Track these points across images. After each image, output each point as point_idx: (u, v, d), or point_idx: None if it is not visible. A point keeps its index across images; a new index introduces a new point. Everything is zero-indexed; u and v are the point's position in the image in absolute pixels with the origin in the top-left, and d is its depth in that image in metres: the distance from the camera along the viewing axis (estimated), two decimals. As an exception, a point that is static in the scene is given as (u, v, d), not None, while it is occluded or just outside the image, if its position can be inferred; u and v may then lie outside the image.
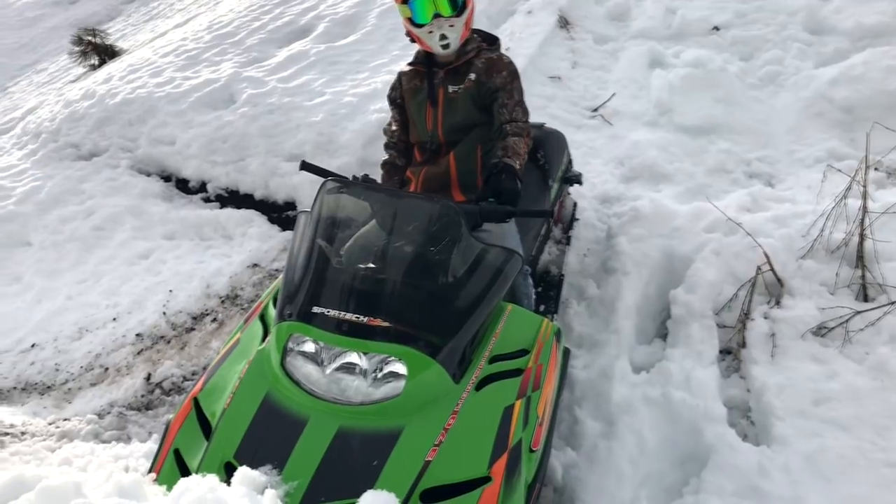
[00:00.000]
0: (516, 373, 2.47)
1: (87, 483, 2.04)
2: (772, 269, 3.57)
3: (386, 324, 2.33)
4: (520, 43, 5.38)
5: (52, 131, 5.95)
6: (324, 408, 2.29)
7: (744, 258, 3.69)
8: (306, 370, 2.38)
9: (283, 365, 2.39)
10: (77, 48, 8.82)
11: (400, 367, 2.31)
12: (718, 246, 3.79)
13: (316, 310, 2.38)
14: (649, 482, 2.99)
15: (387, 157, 3.26)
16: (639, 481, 2.98)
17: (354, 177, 2.84)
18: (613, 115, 4.91)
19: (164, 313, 4.16)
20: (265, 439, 2.27)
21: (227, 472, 2.15)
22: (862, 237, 3.52)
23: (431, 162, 3.14)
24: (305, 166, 2.97)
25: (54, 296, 4.53)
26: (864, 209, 3.49)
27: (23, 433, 3.33)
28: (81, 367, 3.97)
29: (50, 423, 3.44)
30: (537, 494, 2.41)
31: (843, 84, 4.78)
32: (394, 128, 3.26)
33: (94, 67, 8.62)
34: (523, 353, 2.55)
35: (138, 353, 3.95)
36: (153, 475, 2.31)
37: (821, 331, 3.37)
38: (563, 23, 5.73)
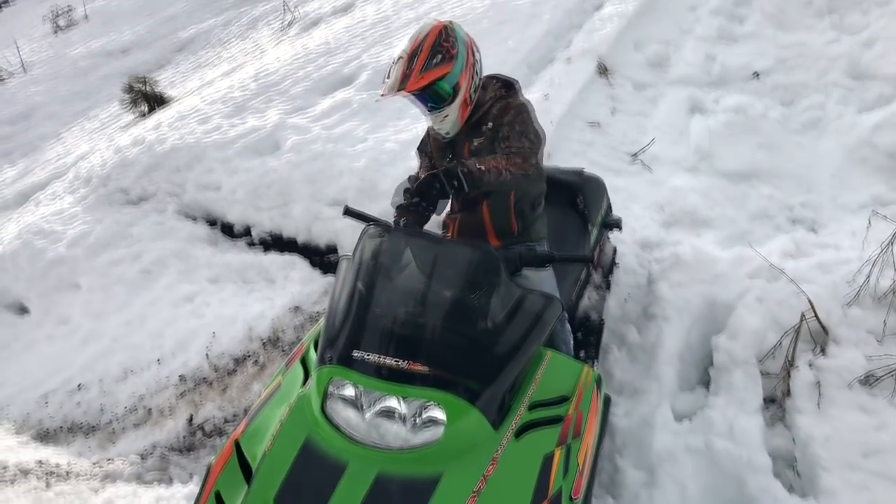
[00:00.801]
0: (556, 420, 2.45)
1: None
2: (816, 317, 3.50)
3: (425, 369, 2.34)
4: (559, 90, 5.43)
5: (102, 177, 6.13)
6: (363, 453, 2.29)
7: (787, 305, 3.63)
8: (346, 415, 2.39)
9: (323, 409, 2.41)
10: (128, 95, 9.10)
11: (439, 413, 2.31)
12: (761, 293, 3.74)
13: (356, 354, 2.40)
14: (692, 534, 2.95)
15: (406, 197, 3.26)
16: (682, 533, 2.93)
17: (396, 222, 2.87)
18: (653, 161, 4.91)
19: (207, 356, 4.22)
20: (305, 483, 2.27)
21: (268, 516, 2.16)
22: (910, 284, 3.46)
23: (467, 209, 3.18)
24: (348, 212, 3.03)
25: (101, 337, 4.62)
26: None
27: (67, 473, 3.38)
28: (126, 408, 4.03)
29: (94, 464, 3.50)
30: (576, 544, 2.37)
31: (887, 129, 4.73)
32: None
33: (143, 114, 8.87)
34: (563, 400, 2.54)
35: (181, 395, 4.00)
36: (194, 514, 2.33)
37: (868, 380, 3.30)
38: (602, 70, 5.78)
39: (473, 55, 2.90)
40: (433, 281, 2.57)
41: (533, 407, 2.47)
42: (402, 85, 2.78)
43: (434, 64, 2.78)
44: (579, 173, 3.87)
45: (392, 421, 2.34)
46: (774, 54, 5.76)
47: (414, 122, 5.17)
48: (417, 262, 2.66)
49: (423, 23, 2.89)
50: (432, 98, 2.86)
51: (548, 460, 2.31)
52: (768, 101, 5.31)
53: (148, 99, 9.12)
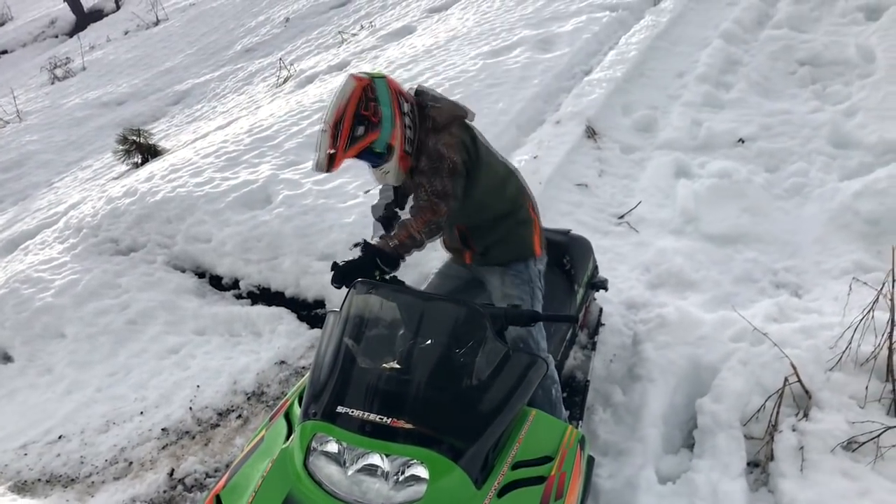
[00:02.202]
0: (539, 480, 2.46)
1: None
2: (799, 381, 3.53)
3: (409, 426, 2.35)
4: (548, 151, 5.53)
5: (93, 226, 6.15)
6: (344, 510, 2.29)
7: (771, 369, 3.66)
8: (329, 471, 2.39)
9: (305, 464, 2.41)
10: (121, 147, 9.15)
11: (421, 471, 2.32)
12: (745, 356, 3.77)
13: (340, 409, 2.41)
14: None
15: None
16: None
17: (383, 278, 2.90)
18: (639, 223, 4.98)
19: (191, 408, 4.19)
20: (286, 540, 2.26)
21: (248, 572, 2.14)
22: (891, 350, 3.50)
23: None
24: (336, 268, 3.05)
25: (84, 388, 4.59)
26: (893, 322, 3.48)
27: (44, 526, 3.33)
28: (106, 460, 3.99)
29: (71, 517, 3.45)
30: None
31: (868, 197, 4.82)
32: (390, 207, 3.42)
33: (136, 165, 8.93)
34: (547, 459, 2.55)
35: (163, 447, 3.96)
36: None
37: (851, 445, 3.31)
38: (591, 133, 5.89)
39: (401, 107, 2.86)
40: (419, 337, 2.59)
41: (516, 466, 2.48)
42: (329, 167, 2.76)
43: (358, 137, 2.75)
44: (566, 233, 3.93)
45: (375, 478, 2.35)
46: (759, 121, 5.89)
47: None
48: (404, 318, 2.69)
49: (346, 78, 2.82)
50: (368, 159, 2.87)
51: (531, 521, 2.31)
52: (753, 167, 5.41)
53: (142, 150, 9.18)
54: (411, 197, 3.07)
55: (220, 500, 2.49)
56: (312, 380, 2.61)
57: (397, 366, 2.52)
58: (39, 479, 3.95)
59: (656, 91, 6.58)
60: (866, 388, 3.50)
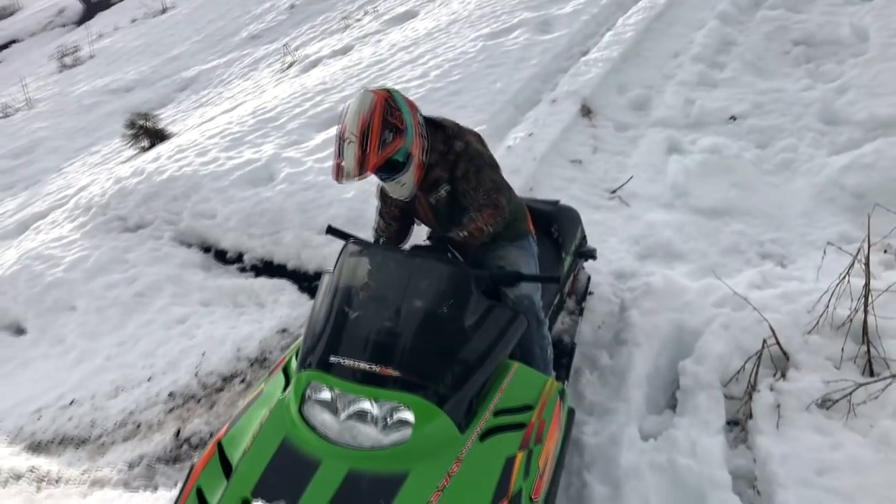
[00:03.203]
0: (519, 426, 2.62)
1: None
2: (778, 343, 3.68)
3: (396, 373, 2.52)
4: (543, 129, 5.67)
5: (101, 205, 6.33)
6: (336, 451, 2.46)
7: (752, 332, 3.80)
8: (322, 417, 2.56)
9: (301, 412, 2.58)
10: (129, 131, 9.33)
11: (408, 415, 2.49)
12: (727, 320, 3.92)
13: (333, 359, 2.58)
14: (654, 546, 3.07)
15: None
16: (643, 544, 3.06)
17: (376, 240, 3.06)
18: (631, 197, 5.12)
19: (196, 374, 4.37)
20: (280, 479, 2.43)
21: (244, 510, 2.31)
22: (866, 314, 3.63)
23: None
24: (331, 230, 3.23)
25: (94, 357, 4.78)
26: (867, 287, 3.61)
27: (58, 479, 3.52)
28: (115, 422, 4.17)
29: (83, 472, 3.63)
30: (537, 543, 2.51)
31: (855, 171, 4.95)
32: (392, 227, 3.40)
33: (144, 149, 9.10)
34: (527, 408, 2.71)
35: (170, 410, 4.15)
36: (176, 510, 2.48)
37: (825, 403, 3.45)
38: (586, 111, 6.03)
39: (417, 117, 2.98)
40: (407, 293, 2.75)
41: (498, 413, 2.64)
42: (361, 171, 2.81)
43: (387, 143, 2.83)
44: (554, 203, 4.08)
45: (365, 423, 2.52)
46: (751, 99, 6.01)
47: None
48: (393, 276, 2.85)
49: (360, 93, 2.91)
50: (386, 171, 2.97)
51: (510, 462, 2.47)
52: (744, 144, 5.53)
53: (149, 134, 9.35)
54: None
55: (221, 446, 2.66)
56: (307, 334, 2.78)
57: (387, 319, 2.68)
58: (53, 441, 4.14)
59: (651, 71, 6.70)
60: (842, 349, 3.63)
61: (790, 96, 6.00)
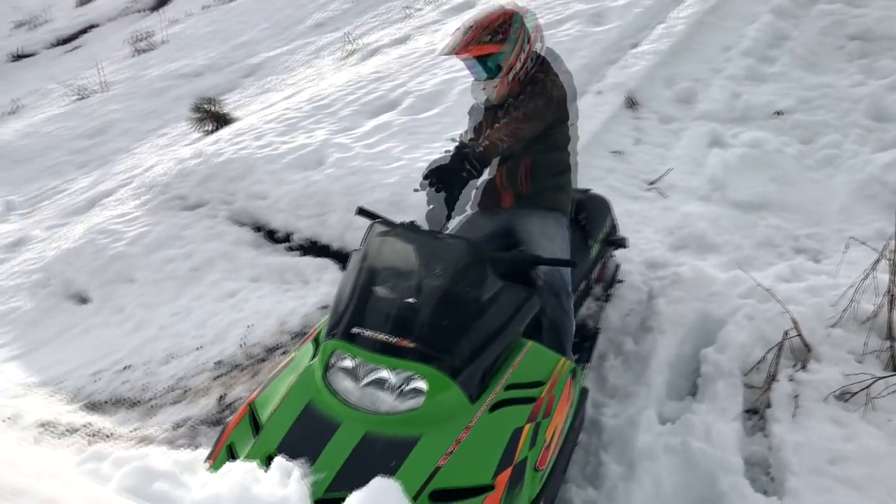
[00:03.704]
0: (529, 400, 2.77)
1: (152, 456, 2.46)
2: (799, 335, 3.73)
3: (413, 345, 2.70)
4: (586, 120, 5.74)
5: (163, 184, 6.67)
6: (355, 415, 2.66)
7: (775, 324, 3.86)
8: (344, 384, 2.76)
9: (325, 378, 2.79)
10: (195, 115, 9.70)
11: (422, 384, 2.67)
12: (752, 311, 3.99)
13: (356, 330, 2.78)
14: (663, 525, 3.19)
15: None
16: (653, 522, 3.18)
17: (402, 222, 3.25)
18: (669, 189, 5.19)
19: (242, 345, 4.64)
20: (303, 438, 2.64)
21: (268, 464, 2.52)
22: (891, 309, 3.66)
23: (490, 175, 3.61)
24: (361, 211, 3.43)
25: (149, 326, 5.09)
26: (893, 282, 3.64)
27: (108, 435, 3.82)
28: (166, 387, 4.46)
29: (132, 430, 3.93)
30: (541, 510, 2.67)
31: (898, 168, 4.93)
32: (469, 136, 3.72)
33: (208, 133, 9.44)
34: (538, 384, 2.86)
35: (216, 378, 4.42)
36: (208, 463, 2.71)
37: (844, 395, 3.51)
38: (631, 103, 6.10)
39: (526, 41, 3.30)
40: (427, 272, 2.93)
41: (509, 387, 2.80)
42: (450, 49, 3.24)
43: (483, 41, 3.21)
44: (584, 192, 4.19)
45: (383, 390, 2.71)
46: (798, 95, 6.00)
47: (446, 145, 5.55)
48: (415, 255, 3.03)
49: (502, 2, 3.38)
50: (478, 69, 3.31)
51: (517, 433, 2.63)
52: (787, 139, 5.54)
53: (214, 118, 9.69)
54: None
55: (252, 407, 2.89)
56: (334, 307, 2.98)
57: (407, 295, 2.87)
58: (108, 401, 4.45)
59: (700, 64, 6.72)
60: (865, 343, 3.68)
61: (839, 92, 5.96)
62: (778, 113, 5.85)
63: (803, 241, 4.73)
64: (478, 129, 3.69)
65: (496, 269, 2.97)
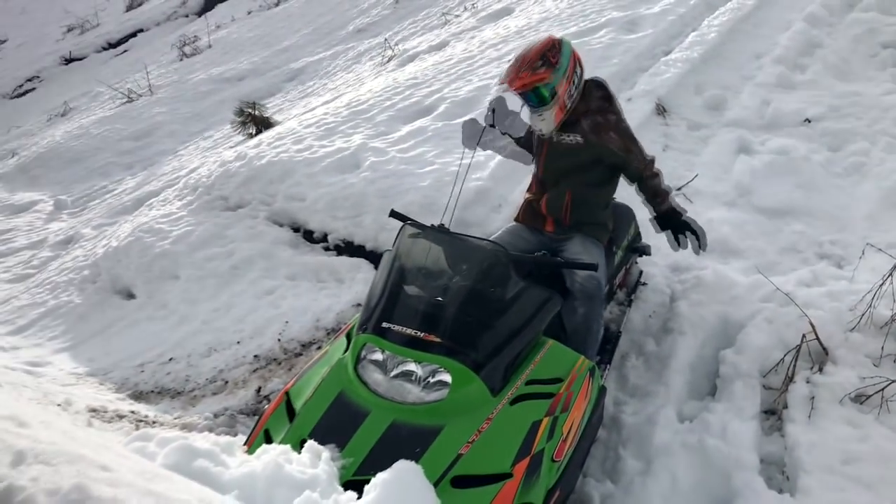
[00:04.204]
0: (548, 395, 2.94)
1: (193, 438, 2.66)
2: (817, 338, 3.83)
3: (439, 340, 2.88)
4: (615, 126, 5.89)
5: (207, 186, 6.93)
6: (383, 404, 2.85)
7: (794, 327, 3.96)
8: (374, 376, 2.95)
9: (356, 370, 2.98)
10: (238, 119, 9.99)
11: (447, 377, 2.85)
12: (772, 315, 4.09)
13: (385, 325, 2.97)
14: (679, 519, 3.32)
15: None
16: (669, 516, 3.31)
17: (432, 225, 3.42)
18: (695, 195, 5.29)
19: (279, 340, 4.85)
20: (334, 425, 2.83)
21: (301, 448, 2.71)
22: (908, 314, 3.75)
23: (534, 194, 3.82)
24: (394, 214, 3.62)
25: (192, 321, 5.34)
26: (910, 288, 3.73)
27: (153, 422, 4.06)
28: (207, 379, 4.70)
29: (175, 418, 4.17)
30: (556, 501, 2.82)
31: (924, 176, 4.98)
32: (522, 139, 3.91)
33: (251, 136, 9.72)
34: (557, 381, 3.02)
35: (254, 370, 4.64)
36: (246, 446, 2.91)
37: (860, 398, 3.60)
38: (661, 110, 6.21)
39: (575, 70, 3.48)
40: (454, 271, 3.11)
41: (530, 383, 2.97)
42: (509, 81, 3.42)
43: (537, 68, 3.36)
44: (609, 202, 4.32)
45: (410, 382, 2.90)
46: (828, 102, 6.05)
47: (479, 150, 5.72)
48: (443, 255, 3.21)
49: (540, 34, 3.55)
50: (533, 99, 3.44)
51: (535, 425, 2.80)
52: (815, 146, 5.60)
53: (256, 122, 9.97)
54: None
55: (288, 396, 3.10)
56: (367, 303, 3.17)
57: (435, 293, 3.04)
58: (152, 391, 4.71)
59: (731, 72, 6.80)
60: (881, 348, 3.77)
61: (869, 100, 6.01)
62: (807, 120, 5.91)
63: (827, 247, 4.80)
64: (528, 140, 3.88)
65: (519, 271, 3.13)
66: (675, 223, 3.78)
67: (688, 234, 3.77)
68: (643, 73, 6.86)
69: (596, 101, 3.62)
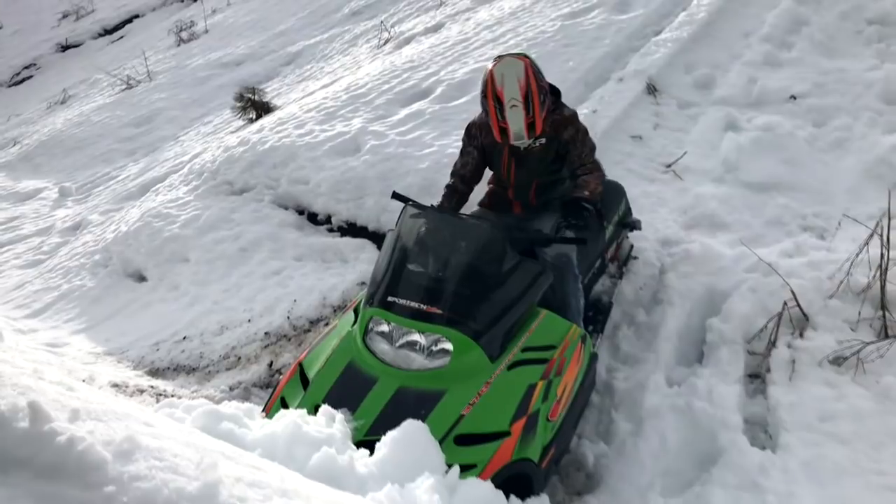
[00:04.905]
0: (543, 361, 3.18)
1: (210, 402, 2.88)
2: (798, 305, 4.06)
3: (440, 312, 3.11)
4: (607, 106, 6.08)
5: (212, 171, 7.13)
6: (390, 372, 3.09)
7: (777, 296, 4.17)
8: (381, 346, 3.19)
9: (364, 341, 3.21)
10: (238, 104, 10.12)
11: (448, 346, 3.09)
12: (755, 284, 4.31)
13: (391, 299, 3.20)
14: (666, 475, 3.55)
15: (451, 182, 4.04)
16: (657, 473, 3.54)
17: (432, 205, 3.64)
18: (685, 171, 5.49)
19: (288, 317, 5.08)
20: (345, 392, 3.07)
21: (316, 413, 2.94)
22: (883, 280, 3.96)
23: (497, 185, 4.02)
24: (396, 195, 3.83)
25: (203, 301, 5.57)
26: (882, 257, 3.94)
27: (172, 395, 4.29)
28: (220, 355, 4.94)
29: (192, 392, 4.40)
30: (552, 457, 3.08)
31: (904, 149, 5.18)
32: (468, 167, 4.01)
33: (251, 121, 9.87)
34: (551, 347, 3.25)
35: (265, 346, 4.87)
36: (264, 413, 3.14)
37: (838, 360, 3.82)
38: (651, 89, 6.39)
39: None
40: (453, 249, 3.33)
41: (525, 349, 3.21)
42: (531, 134, 3.53)
43: (544, 104, 3.53)
44: (599, 179, 4.53)
45: (414, 351, 3.13)
46: (813, 79, 6.23)
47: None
48: (442, 234, 3.43)
49: (506, 59, 3.56)
50: (521, 115, 3.55)
51: (531, 388, 3.04)
52: (799, 122, 5.78)
53: (256, 107, 10.10)
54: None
55: (302, 366, 3.33)
56: (372, 279, 3.41)
57: (436, 268, 3.27)
58: (168, 368, 4.95)
59: (720, 51, 6.96)
60: (859, 313, 3.99)
61: (853, 76, 6.18)
62: (793, 97, 6.09)
63: (810, 219, 5.00)
64: (474, 156, 4.00)
65: (514, 247, 3.35)
66: (573, 212, 3.62)
67: (570, 224, 3.61)
68: (634, 54, 7.03)
69: (553, 102, 3.79)
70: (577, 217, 3.57)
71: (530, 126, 3.50)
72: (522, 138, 3.53)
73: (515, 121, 3.47)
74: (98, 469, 1.53)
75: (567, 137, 3.74)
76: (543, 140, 3.74)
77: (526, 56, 3.64)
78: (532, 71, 3.52)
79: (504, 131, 3.51)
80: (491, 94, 3.50)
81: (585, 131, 3.81)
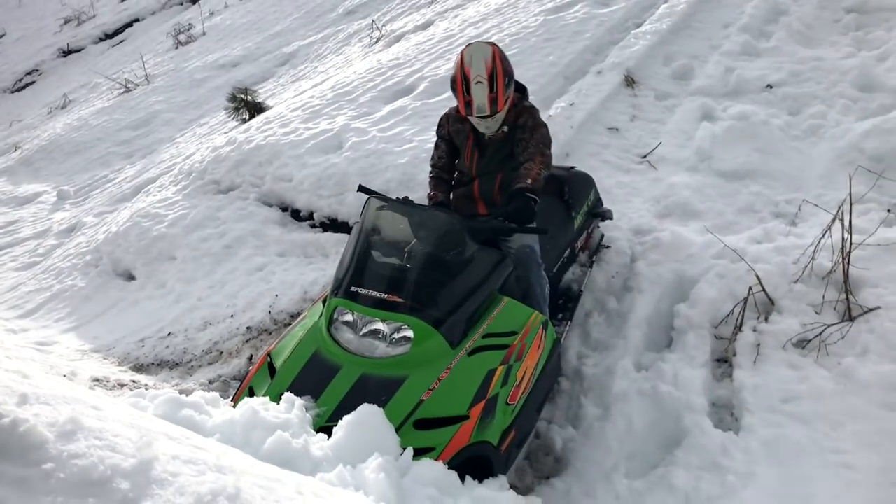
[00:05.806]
0: (503, 347, 3.25)
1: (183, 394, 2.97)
2: (763, 290, 4.13)
3: (402, 300, 3.19)
4: (585, 99, 6.16)
5: (200, 171, 7.23)
6: (353, 360, 3.17)
7: (744, 281, 4.24)
8: (346, 335, 3.28)
9: (329, 331, 3.30)
10: (231, 105, 10.23)
11: (410, 333, 3.17)
12: (723, 270, 4.38)
13: (354, 289, 3.28)
14: (632, 458, 3.63)
15: (433, 173, 4.11)
16: (623, 455, 3.62)
17: (396, 197, 3.72)
18: (659, 162, 5.56)
19: (270, 312, 5.18)
20: (310, 380, 3.16)
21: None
22: (846, 265, 4.03)
23: (462, 185, 4.03)
24: (362, 188, 3.91)
25: (189, 298, 5.67)
26: (843, 240, 4.00)
27: (152, 388, 4.39)
28: (203, 350, 5.03)
29: (173, 386, 4.51)
30: (512, 440, 3.15)
31: (875, 136, 5.21)
32: (443, 159, 4.10)
33: (244, 121, 9.96)
34: (512, 333, 3.33)
35: (246, 341, 4.97)
36: (232, 402, 3.23)
37: (801, 343, 3.89)
38: (630, 81, 6.46)
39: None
40: (415, 239, 3.41)
41: (486, 336, 3.28)
42: (492, 109, 3.61)
43: (507, 85, 3.62)
44: (568, 169, 4.61)
45: (377, 339, 3.22)
46: (789, 68, 6.28)
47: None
48: (404, 225, 3.51)
49: (475, 43, 3.69)
50: (494, 108, 3.64)
51: (490, 373, 3.12)
52: (774, 111, 5.84)
53: (249, 108, 10.20)
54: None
55: (270, 357, 3.42)
56: (338, 270, 3.49)
57: (398, 259, 3.35)
58: (152, 363, 5.05)
59: (700, 42, 7.03)
60: (823, 296, 4.06)
61: (829, 64, 6.24)
62: (769, 86, 6.15)
63: (782, 206, 5.06)
64: (447, 150, 4.09)
65: (474, 237, 3.44)
66: (516, 204, 3.59)
67: (513, 216, 3.60)
68: (614, 46, 7.10)
69: (518, 98, 3.87)
70: (521, 208, 3.58)
71: (493, 101, 3.59)
72: (485, 111, 3.61)
73: (479, 95, 3.58)
74: (39, 448, 1.61)
75: (521, 123, 3.82)
76: (505, 129, 3.82)
77: (495, 44, 3.74)
78: (499, 56, 3.62)
79: (469, 104, 3.62)
80: (459, 72, 3.63)
81: (543, 124, 3.85)
